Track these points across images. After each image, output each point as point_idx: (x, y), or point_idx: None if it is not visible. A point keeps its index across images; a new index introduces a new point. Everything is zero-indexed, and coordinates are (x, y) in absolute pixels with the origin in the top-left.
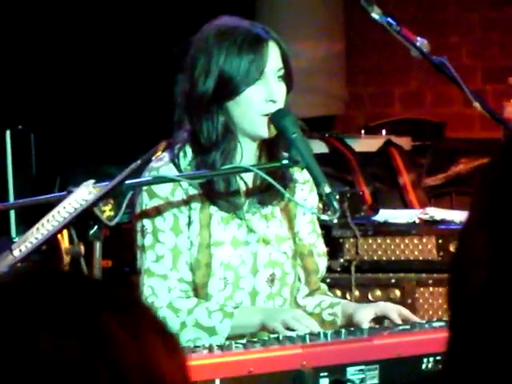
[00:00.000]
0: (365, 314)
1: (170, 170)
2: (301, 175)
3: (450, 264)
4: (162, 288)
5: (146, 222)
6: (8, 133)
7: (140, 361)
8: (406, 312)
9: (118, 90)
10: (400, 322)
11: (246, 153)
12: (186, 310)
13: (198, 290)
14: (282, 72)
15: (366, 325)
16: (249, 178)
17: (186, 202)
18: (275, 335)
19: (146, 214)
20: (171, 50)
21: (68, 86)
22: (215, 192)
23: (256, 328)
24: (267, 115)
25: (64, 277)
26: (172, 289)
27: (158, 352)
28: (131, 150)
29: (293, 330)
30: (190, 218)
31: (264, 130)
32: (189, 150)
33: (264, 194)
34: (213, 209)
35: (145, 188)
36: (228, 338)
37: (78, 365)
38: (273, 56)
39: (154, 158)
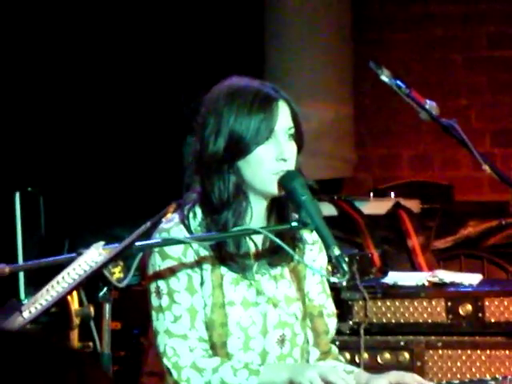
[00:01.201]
0: None
1: (180, 232)
2: (310, 236)
3: None
4: (183, 348)
5: (161, 283)
6: (17, 195)
7: None
8: (419, 378)
9: (127, 152)
10: None
11: (256, 213)
12: (211, 369)
13: (217, 350)
14: (292, 131)
15: None
16: (258, 239)
17: (198, 262)
18: None
19: (160, 275)
20: (181, 111)
21: (77, 149)
22: (225, 253)
23: None
24: (278, 174)
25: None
26: (193, 348)
27: None
28: (140, 212)
29: None
30: (202, 277)
31: (274, 188)
32: (198, 210)
33: (273, 255)
34: (223, 269)
35: (157, 249)
36: None
37: None
38: (283, 115)
39: (163, 219)
